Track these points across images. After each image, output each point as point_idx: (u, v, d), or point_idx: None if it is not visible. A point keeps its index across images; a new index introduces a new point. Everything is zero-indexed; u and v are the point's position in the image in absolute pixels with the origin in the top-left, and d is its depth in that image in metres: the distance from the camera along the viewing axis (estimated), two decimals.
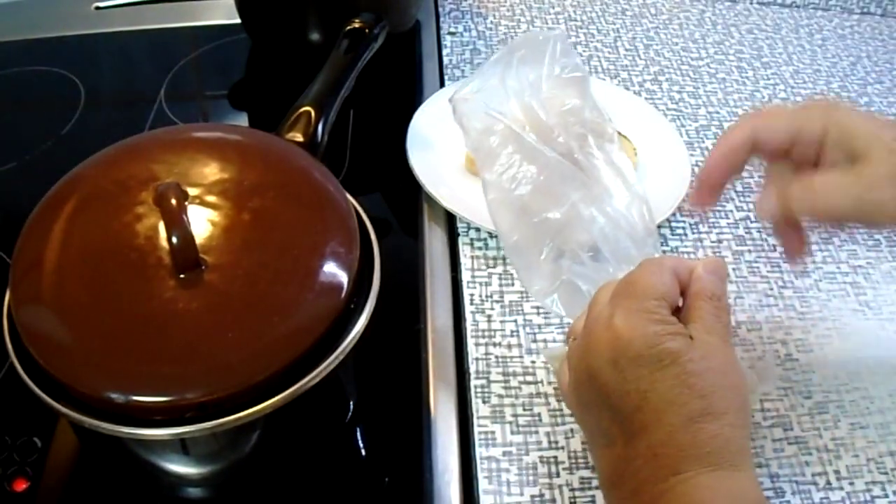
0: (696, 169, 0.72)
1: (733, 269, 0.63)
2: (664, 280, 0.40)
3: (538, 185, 0.52)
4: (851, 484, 0.50)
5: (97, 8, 0.92)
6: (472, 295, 0.60)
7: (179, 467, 0.47)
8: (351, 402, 0.52)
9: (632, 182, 0.54)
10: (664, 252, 0.64)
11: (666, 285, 0.40)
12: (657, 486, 0.36)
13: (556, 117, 0.59)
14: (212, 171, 0.47)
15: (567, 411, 0.53)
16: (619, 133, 0.71)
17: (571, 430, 0.52)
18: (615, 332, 0.38)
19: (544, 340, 0.57)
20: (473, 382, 0.54)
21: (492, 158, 0.54)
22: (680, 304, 0.42)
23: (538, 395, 0.54)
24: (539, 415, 0.53)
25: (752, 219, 0.68)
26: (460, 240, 0.64)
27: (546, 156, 0.53)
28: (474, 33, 0.89)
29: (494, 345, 0.57)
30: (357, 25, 0.62)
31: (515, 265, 0.51)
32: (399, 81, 0.83)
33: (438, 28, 0.90)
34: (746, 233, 0.66)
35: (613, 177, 0.54)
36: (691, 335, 0.38)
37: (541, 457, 0.50)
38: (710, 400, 0.36)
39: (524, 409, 0.53)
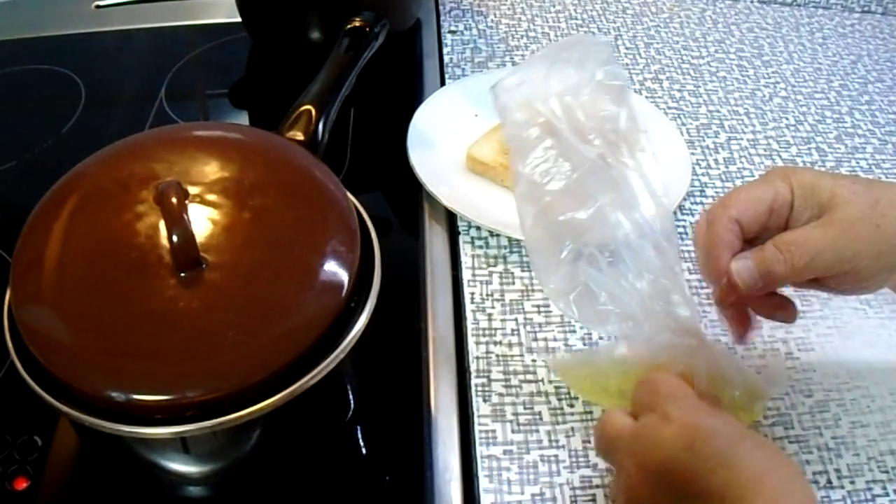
0: (697, 168, 0.72)
1: None
2: (676, 381, 0.43)
3: (570, 184, 0.51)
4: (852, 483, 0.50)
5: (98, 6, 0.92)
6: (472, 293, 0.60)
7: (180, 466, 0.47)
8: (351, 401, 0.52)
9: (659, 194, 0.53)
10: None
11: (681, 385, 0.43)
12: None
13: (594, 121, 0.58)
14: (212, 170, 0.46)
15: (568, 410, 0.53)
16: None
17: (572, 429, 0.52)
18: (680, 422, 0.39)
19: (545, 339, 0.57)
20: (474, 381, 0.54)
21: (527, 151, 0.53)
22: None
23: (539, 393, 0.54)
24: (540, 413, 0.53)
25: None
26: (461, 238, 0.64)
27: (582, 154, 0.52)
28: (475, 32, 0.89)
29: (495, 343, 0.57)
30: (358, 24, 0.62)
31: (534, 262, 0.50)
32: (400, 80, 0.83)
33: (439, 27, 0.90)
34: None
35: (642, 186, 0.54)
36: None
37: (541, 455, 0.50)
38: (783, 457, 0.38)
39: (525, 408, 0.53)
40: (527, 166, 0.52)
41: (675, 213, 0.66)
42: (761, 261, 0.44)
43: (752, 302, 0.48)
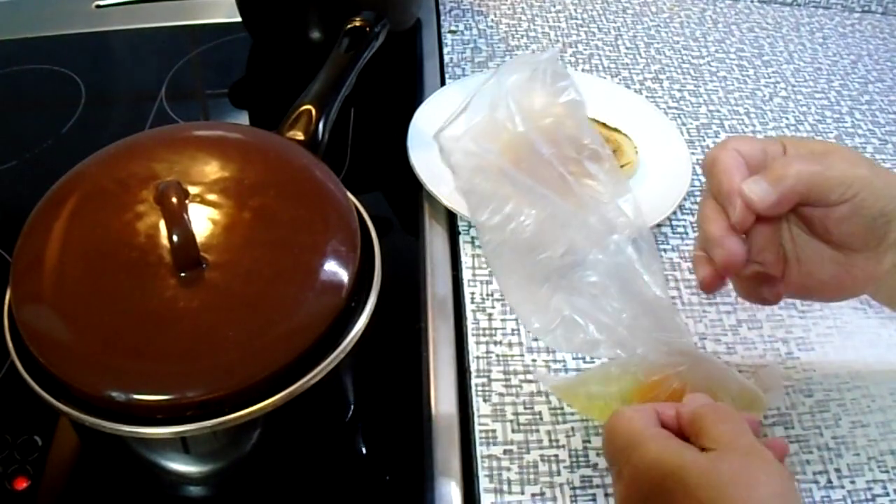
0: (697, 168, 0.72)
1: None
2: (646, 414, 0.41)
3: (537, 225, 0.51)
4: (852, 482, 0.50)
5: (98, 6, 0.92)
6: (472, 293, 0.60)
7: (180, 466, 0.47)
8: (351, 401, 0.52)
9: (631, 215, 0.53)
10: (663, 253, 0.64)
11: (649, 416, 0.41)
12: None
13: (552, 146, 0.58)
14: (212, 170, 0.46)
15: (568, 410, 0.53)
16: (620, 131, 0.71)
17: (572, 429, 0.52)
18: (633, 475, 0.38)
19: None
20: (474, 381, 0.54)
21: (485, 200, 0.53)
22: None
23: (539, 393, 0.54)
24: (540, 413, 0.53)
25: None
26: (461, 238, 0.64)
27: (544, 195, 0.52)
28: (475, 32, 0.89)
29: (495, 343, 0.57)
30: (358, 24, 0.62)
31: (512, 303, 0.50)
32: (400, 80, 0.83)
33: (439, 26, 0.90)
34: None
35: (614, 208, 0.53)
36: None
37: (542, 455, 0.50)
38: (781, 477, 0.37)
39: (525, 408, 0.53)
40: (486, 215, 0.52)
41: (675, 212, 0.66)
42: (771, 170, 0.44)
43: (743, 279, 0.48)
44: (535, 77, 0.59)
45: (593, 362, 0.55)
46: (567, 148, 0.58)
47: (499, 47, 0.86)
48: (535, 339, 0.57)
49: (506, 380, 0.54)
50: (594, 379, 0.49)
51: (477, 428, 0.52)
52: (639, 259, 0.48)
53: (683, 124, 0.77)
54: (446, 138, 0.56)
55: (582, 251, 0.50)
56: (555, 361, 0.56)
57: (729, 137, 0.48)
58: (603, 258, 0.48)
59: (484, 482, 0.49)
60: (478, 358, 0.56)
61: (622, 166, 0.66)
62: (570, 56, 0.86)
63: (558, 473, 0.49)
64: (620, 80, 0.83)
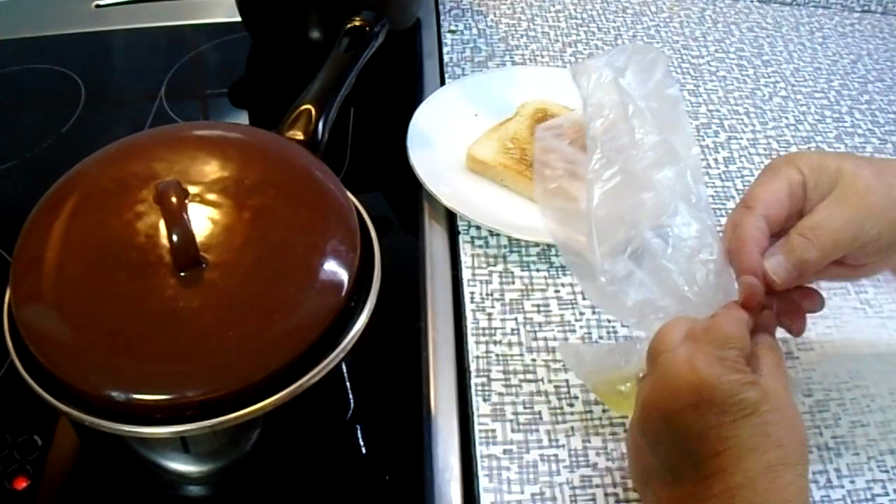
0: None
1: None
2: (742, 332, 0.42)
3: (638, 169, 0.50)
4: (852, 482, 0.50)
5: (98, 6, 0.92)
6: (472, 293, 0.60)
7: (180, 465, 0.47)
8: (351, 401, 0.52)
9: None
10: None
11: (744, 337, 0.42)
12: None
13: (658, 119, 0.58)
14: (212, 170, 0.46)
15: (568, 409, 0.53)
16: None
17: (572, 429, 0.52)
18: (699, 376, 0.39)
19: (545, 338, 0.57)
20: (474, 380, 0.54)
21: (607, 128, 0.53)
22: None
23: (539, 393, 0.54)
24: (539, 413, 0.53)
25: None
26: (461, 238, 0.64)
27: (648, 143, 0.51)
28: (475, 31, 0.89)
29: (495, 343, 0.57)
30: (357, 23, 0.62)
31: (598, 241, 0.49)
32: (400, 79, 0.83)
33: (439, 26, 0.90)
34: None
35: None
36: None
37: (541, 455, 0.50)
38: (786, 450, 0.38)
39: (525, 408, 0.53)
40: (604, 143, 0.51)
41: None
42: (791, 252, 0.44)
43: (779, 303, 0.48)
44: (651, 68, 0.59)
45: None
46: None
47: (498, 47, 0.86)
48: (535, 339, 0.57)
49: (505, 379, 0.54)
50: (613, 361, 0.48)
51: (476, 427, 0.52)
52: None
53: None
54: (585, 69, 0.56)
55: (667, 203, 0.49)
56: (554, 361, 0.56)
57: (752, 194, 0.46)
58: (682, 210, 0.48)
59: (484, 482, 0.49)
60: (477, 357, 0.56)
61: None
62: (570, 56, 0.86)
63: (558, 473, 0.49)
64: None
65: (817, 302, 0.48)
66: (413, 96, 0.78)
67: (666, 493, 0.41)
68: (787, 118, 0.79)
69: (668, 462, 0.40)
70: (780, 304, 0.47)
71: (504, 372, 0.55)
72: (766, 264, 0.45)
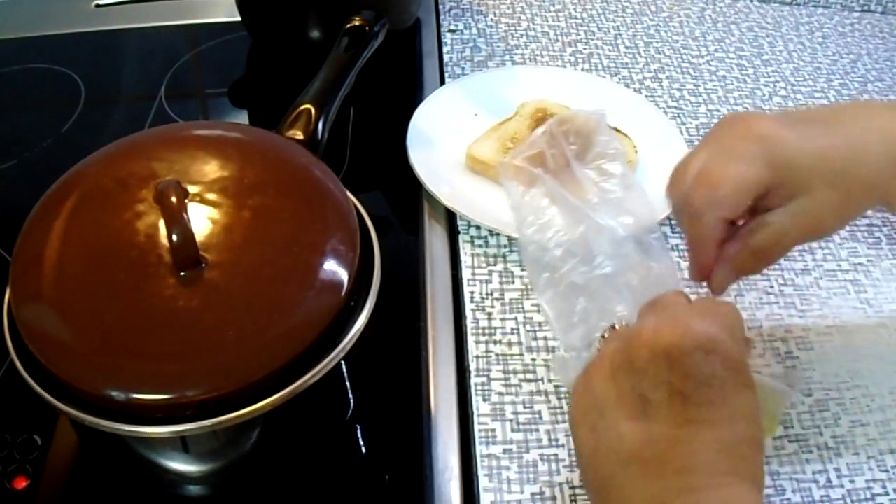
0: None
1: None
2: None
3: (572, 238, 0.53)
4: (852, 482, 0.50)
5: (97, 6, 0.92)
6: (472, 293, 0.60)
7: (180, 465, 0.47)
8: (351, 400, 0.52)
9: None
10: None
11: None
12: (715, 479, 0.36)
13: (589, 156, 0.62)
14: (212, 169, 0.46)
15: (567, 409, 0.53)
16: (620, 130, 0.71)
17: None
18: (716, 328, 0.39)
19: (544, 338, 0.57)
20: (474, 380, 0.54)
21: (530, 214, 0.55)
22: None
23: (538, 392, 0.54)
24: (539, 412, 0.53)
25: None
26: (460, 237, 0.64)
27: (576, 207, 0.54)
28: (475, 31, 0.89)
29: (495, 342, 0.57)
30: (357, 23, 0.62)
31: (550, 321, 0.51)
32: (399, 79, 0.83)
33: (439, 26, 0.90)
34: None
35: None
36: None
37: (541, 454, 0.50)
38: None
39: (524, 407, 0.53)
40: (530, 228, 0.54)
41: None
42: (738, 266, 0.47)
43: None
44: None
45: None
46: (599, 161, 0.61)
47: (498, 46, 0.86)
48: (535, 339, 0.57)
49: (505, 379, 0.54)
50: None
51: (476, 427, 0.52)
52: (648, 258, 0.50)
53: (683, 123, 0.77)
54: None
55: (600, 254, 0.51)
56: (554, 361, 0.56)
57: (716, 181, 0.46)
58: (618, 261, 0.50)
59: (483, 481, 0.49)
60: (477, 357, 0.56)
61: None
62: (570, 55, 0.86)
63: (558, 473, 0.50)
64: (620, 79, 0.83)
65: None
66: (413, 96, 0.78)
67: (630, 424, 0.38)
68: None
69: (652, 396, 0.38)
70: None
71: (504, 371, 0.55)
72: (714, 280, 0.48)
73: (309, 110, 0.55)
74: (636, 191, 0.58)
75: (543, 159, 0.60)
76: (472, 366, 0.55)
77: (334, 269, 0.44)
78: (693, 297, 0.44)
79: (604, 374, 0.40)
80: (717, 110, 0.79)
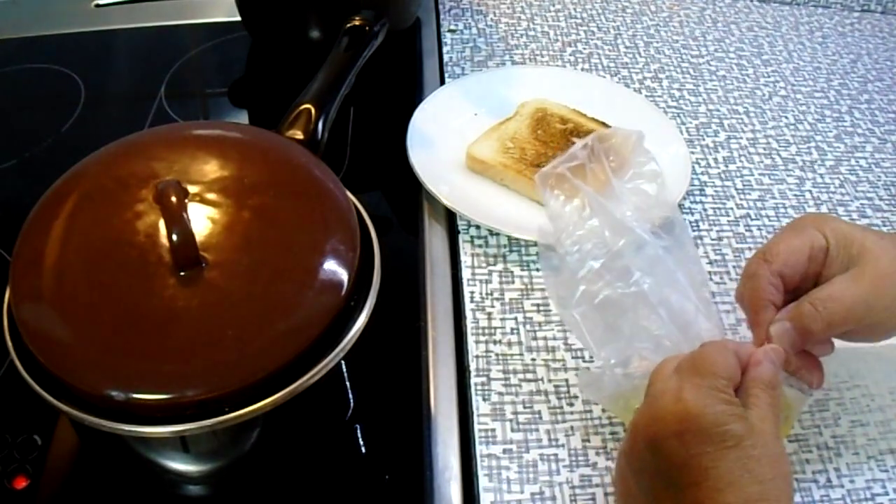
0: (697, 167, 0.72)
1: (734, 267, 0.63)
2: (730, 361, 0.42)
3: (608, 258, 0.53)
4: (852, 482, 0.50)
5: (97, 5, 0.92)
6: (472, 292, 0.60)
7: (179, 465, 0.47)
8: (351, 400, 0.52)
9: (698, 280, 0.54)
10: None
11: (732, 367, 0.42)
12: None
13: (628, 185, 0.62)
14: (212, 169, 0.47)
15: (567, 409, 0.53)
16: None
17: (571, 428, 0.52)
18: (685, 405, 0.39)
19: (544, 338, 0.57)
20: (473, 380, 0.54)
21: (569, 225, 0.55)
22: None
23: (538, 392, 0.54)
24: (539, 412, 0.53)
25: (753, 216, 0.68)
26: (460, 237, 0.64)
27: (623, 225, 0.54)
28: (474, 31, 0.89)
29: (495, 342, 0.57)
30: (357, 23, 0.62)
31: (584, 337, 0.51)
32: (399, 79, 0.83)
33: (439, 25, 0.90)
34: (747, 230, 0.66)
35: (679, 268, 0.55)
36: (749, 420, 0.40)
37: (541, 454, 0.50)
38: (766, 486, 0.37)
39: (524, 407, 0.53)
40: (569, 239, 0.54)
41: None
42: (799, 319, 0.45)
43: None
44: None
45: (592, 360, 0.55)
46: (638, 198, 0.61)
47: (498, 46, 0.86)
48: (535, 339, 0.57)
49: (505, 379, 0.54)
50: (629, 383, 0.49)
51: (476, 427, 0.52)
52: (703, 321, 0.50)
53: (683, 123, 0.77)
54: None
55: (638, 270, 0.51)
56: (554, 360, 0.56)
57: (772, 246, 0.47)
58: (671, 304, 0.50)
59: (483, 481, 0.49)
60: (477, 357, 0.56)
61: None
62: (570, 55, 0.86)
63: (558, 472, 0.50)
64: (620, 79, 0.83)
65: (828, 348, 0.48)
66: (413, 96, 0.78)
67: None
68: (786, 118, 0.79)
69: (651, 491, 0.40)
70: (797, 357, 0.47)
71: (504, 371, 0.55)
72: (773, 331, 0.46)
73: (309, 110, 0.55)
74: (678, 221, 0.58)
75: (583, 172, 0.61)
76: (472, 366, 0.55)
77: (334, 269, 0.44)
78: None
79: (620, 472, 0.43)
80: (717, 110, 0.79)
